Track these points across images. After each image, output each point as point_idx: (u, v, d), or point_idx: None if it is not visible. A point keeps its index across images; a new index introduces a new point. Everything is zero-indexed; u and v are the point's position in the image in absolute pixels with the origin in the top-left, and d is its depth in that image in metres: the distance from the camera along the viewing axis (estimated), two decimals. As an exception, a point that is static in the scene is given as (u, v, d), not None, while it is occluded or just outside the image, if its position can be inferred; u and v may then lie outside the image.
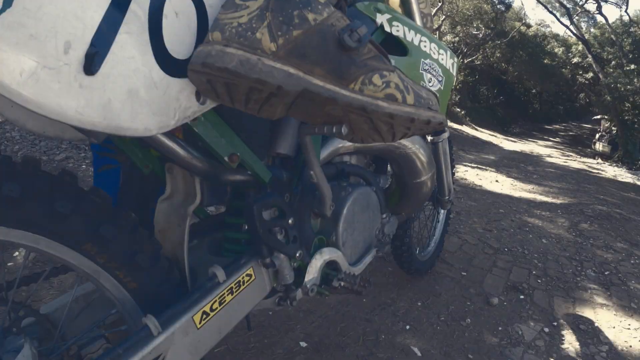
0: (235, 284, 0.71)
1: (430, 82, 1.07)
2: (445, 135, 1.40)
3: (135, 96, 0.46)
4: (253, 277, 0.75)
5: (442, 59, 1.13)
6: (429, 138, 1.40)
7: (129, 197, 0.84)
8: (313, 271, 0.85)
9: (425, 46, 1.07)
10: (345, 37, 0.53)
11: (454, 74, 1.21)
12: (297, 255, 0.79)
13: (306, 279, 0.84)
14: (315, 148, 0.83)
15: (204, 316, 0.65)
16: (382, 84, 0.57)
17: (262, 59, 0.51)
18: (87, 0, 0.41)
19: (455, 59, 1.22)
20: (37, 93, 0.38)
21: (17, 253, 1.49)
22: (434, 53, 1.09)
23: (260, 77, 0.50)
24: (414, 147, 1.08)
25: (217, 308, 0.67)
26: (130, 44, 0.45)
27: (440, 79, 1.11)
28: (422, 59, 1.05)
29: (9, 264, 1.43)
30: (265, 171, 0.73)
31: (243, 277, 0.73)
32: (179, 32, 0.50)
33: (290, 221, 0.77)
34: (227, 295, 0.69)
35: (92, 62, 0.41)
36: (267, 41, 0.51)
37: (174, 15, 0.49)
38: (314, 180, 0.80)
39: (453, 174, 1.81)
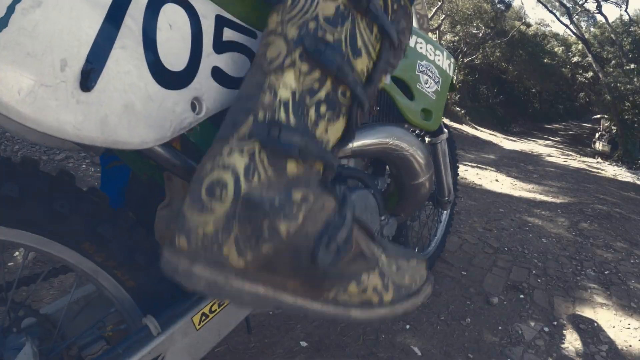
0: None
1: (426, 83, 1.07)
2: (444, 136, 1.40)
3: (131, 110, 0.46)
4: None
5: (439, 60, 1.13)
6: (427, 139, 1.40)
7: (136, 195, 0.84)
8: None
9: (421, 48, 1.07)
10: (319, 255, 0.48)
11: (451, 74, 1.21)
12: None
13: None
14: None
15: (203, 317, 0.65)
16: (359, 290, 0.54)
17: (229, 280, 0.46)
18: (82, 17, 0.41)
19: (452, 60, 1.22)
20: (36, 111, 0.39)
21: (17, 253, 1.49)
22: (430, 54, 1.10)
23: (229, 298, 0.49)
24: (412, 148, 1.08)
25: (216, 310, 0.68)
26: (125, 59, 0.45)
27: (437, 80, 1.11)
28: (419, 61, 1.05)
29: (9, 264, 1.43)
30: None
31: None
32: (173, 45, 0.51)
33: None
34: None
35: (88, 78, 0.42)
36: (235, 257, 0.47)
37: (168, 27, 0.50)
38: None
39: (457, 174, 1.80)
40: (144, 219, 0.77)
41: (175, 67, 0.51)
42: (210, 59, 0.56)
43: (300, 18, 0.52)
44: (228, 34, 0.58)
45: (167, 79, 0.50)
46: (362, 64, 0.54)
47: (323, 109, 0.51)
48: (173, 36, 0.50)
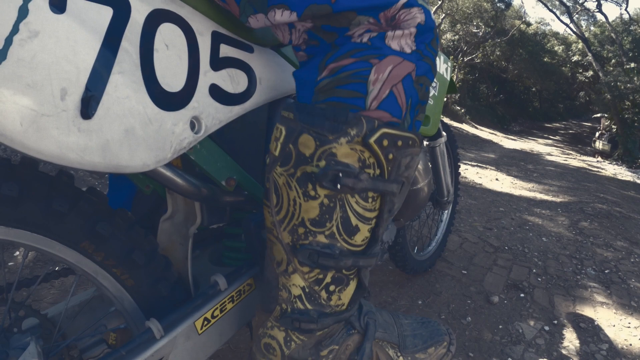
0: (236, 293, 0.71)
1: None
2: (442, 139, 1.40)
3: (131, 135, 0.47)
4: (254, 287, 0.76)
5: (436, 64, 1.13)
6: (426, 143, 1.40)
7: (143, 204, 0.84)
8: None
9: None
10: None
11: (448, 78, 1.21)
12: None
13: None
14: None
15: (206, 322, 0.66)
16: None
17: None
18: (79, 44, 0.41)
19: (449, 63, 1.22)
20: (38, 140, 0.39)
21: (17, 253, 1.49)
22: None
23: None
24: None
25: (218, 315, 0.68)
26: (124, 84, 0.45)
27: (434, 85, 1.11)
28: None
29: (10, 263, 1.43)
30: (262, 191, 0.74)
31: (244, 287, 0.73)
32: (170, 65, 0.51)
33: None
34: (228, 303, 0.70)
35: (89, 105, 0.42)
36: None
37: (165, 47, 0.50)
38: None
39: (459, 173, 1.81)
40: (151, 228, 0.78)
41: (173, 88, 0.51)
42: (207, 76, 0.56)
43: (288, 223, 0.56)
44: (225, 50, 0.58)
45: (166, 100, 0.50)
46: (361, 236, 0.58)
47: (332, 287, 0.60)
48: (170, 56, 0.51)
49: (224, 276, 0.70)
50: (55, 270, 0.78)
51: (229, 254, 0.85)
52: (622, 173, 7.54)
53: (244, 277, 0.74)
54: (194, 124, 0.55)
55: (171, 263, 0.68)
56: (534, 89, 21.54)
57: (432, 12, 0.59)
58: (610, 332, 1.54)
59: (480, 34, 14.07)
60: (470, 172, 4.67)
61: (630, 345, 1.47)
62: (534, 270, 2.01)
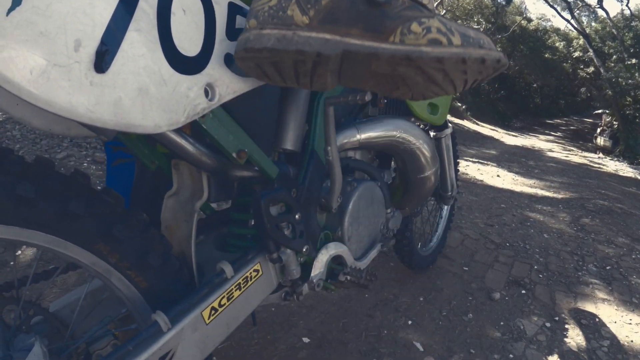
0: (242, 280, 0.71)
1: None
2: (448, 131, 1.41)
3: (145, 93, 0.46)
4: (260, 273, 0.75)
5: None
6: (432, 133, 1.40)
7: (142, 192, 0.84)
8: (319, 266, 0.86)
9: None
10: None
11: None
12: (304, 249, 0.80)
13: (312, 274, 0.85)
14: (319, 142, 0.83)
15: (213, 312, 0.66)
16: (423, 30, 0.53)
17: (297, 32, 0.52)
18: None
19: None
20: (48, 91, 0.38)
21: (19, 252, 1.49)
22: None
23: (298, 47, 0.52)
24: (418, 142, 1.08)
25: (225, 303, 0.68)
26: (140, 42, 0.45)
27: None
28: None
29: (11, 263, 1.43)
30: (273, 167, 0.74)
31: (250, 273, 0.73)
32: (186, 30, 0.50)
33: (297, 216, 0.78)
34: (235, 290, 0.70)
35: (103, 60, 0.41)
36: (299, 15, 0.53)
37: (182, 12, 0.50)
38: (328, 157, 0.81)
39: (457, 170, 1.81)
40: (149, 217, 0.77)
41: (189, 52, 0.51)
42: (223, 45, 0.55)
43: None
44: (241, 22, 0.58)
45: (181, 63, 0.49)
46: None
47: None
48: (187, 21, 0.50)
49: (230, 263, 0.70)
50: (65, 266, 0.78)
51: (234, 241, 0.85)
52: (623, 169, 7.52)
53: (251, 263, 0.74)
54: (207, 91, 0.54)
55: (183, 262, 0.68)
56: (535, 85, 21.48)
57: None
58: (611, 329, 1.55)
59: (481, 30, 14.02)
60: (471, 169, 4.67)
61: (632, 341, 1.48)
62: (535, 267, 2.02)
